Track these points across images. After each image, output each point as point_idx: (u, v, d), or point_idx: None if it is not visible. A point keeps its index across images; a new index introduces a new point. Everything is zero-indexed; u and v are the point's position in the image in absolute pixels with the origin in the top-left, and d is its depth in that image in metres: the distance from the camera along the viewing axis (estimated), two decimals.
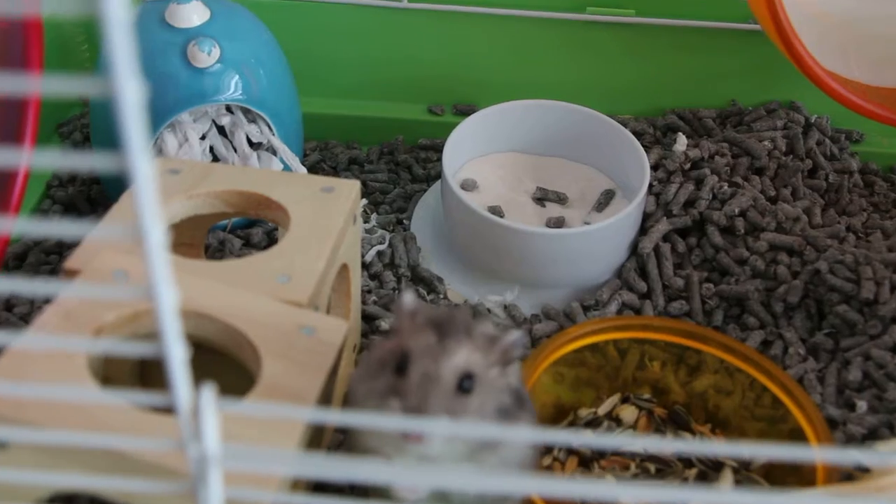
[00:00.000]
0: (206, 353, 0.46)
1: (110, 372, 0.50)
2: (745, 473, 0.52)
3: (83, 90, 0.22)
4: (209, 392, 0.28)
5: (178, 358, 0.27)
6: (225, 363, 0.45)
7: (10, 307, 0.61)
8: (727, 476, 0.51)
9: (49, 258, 0.65)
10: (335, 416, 0.28)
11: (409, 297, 0.43)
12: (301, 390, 0.41)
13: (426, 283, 0.66)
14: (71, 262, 0.48)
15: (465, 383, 0.40)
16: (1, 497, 0.37)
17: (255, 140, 0.66)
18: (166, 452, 0.35)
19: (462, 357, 0.40)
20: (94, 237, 0.48)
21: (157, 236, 0.24)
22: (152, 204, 0.23)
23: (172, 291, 0.25)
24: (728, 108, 0.78)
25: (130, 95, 0.22)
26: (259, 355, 0.43)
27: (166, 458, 0.36)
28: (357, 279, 0.58)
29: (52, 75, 0.58)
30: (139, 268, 0.46)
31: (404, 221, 0.71)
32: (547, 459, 0.54)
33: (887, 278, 0.60)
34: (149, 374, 0.53)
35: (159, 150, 0.64)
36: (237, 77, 0.64)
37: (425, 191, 0.73)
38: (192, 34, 0.64)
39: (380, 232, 0.69)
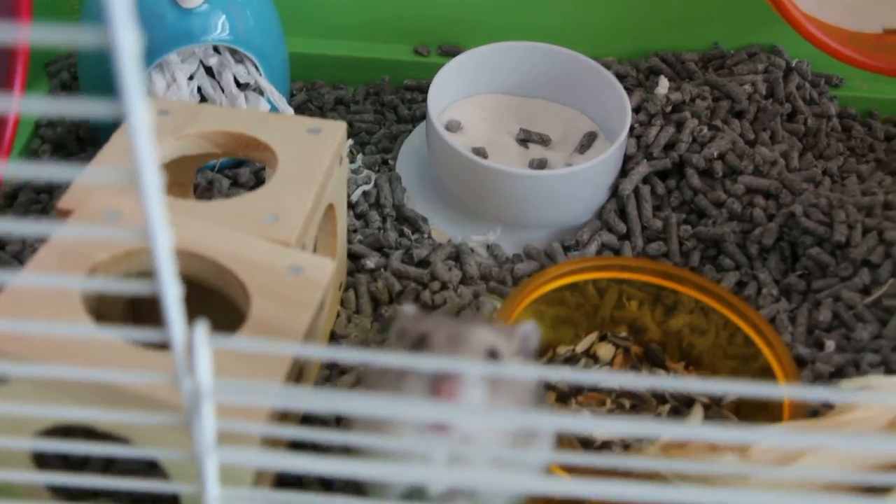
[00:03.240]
0: (198, 289, 0.48)
1: (103, 309, 0.51)
2: (717, 409, 0.54)
3: (80, 41, 0.23)
4: (202, 329, 0.29)
5: (173, 296, 0.28)
6: (216, 299, 0.47)
7: (2, 245, 0.62)
8: (698, 411, 0.53)
9: (40, 197, 0.66)
10: (321, 352, 0.30)
11: (410, 308, 0.43)
12: (288, 327, 0.43)
13: (410, 223, 0.67)
14: (63, 202, 0.49)
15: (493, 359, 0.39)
16: (1, 430, 0.38)
17: (242, 81, 0.67)
18: (161, 386, 0.37)
19: (487, 334, 0.39)
20: (86, 178, 0.49)
21: (154, 182, 0.25)
22: (149, 151, 0.24)
23: (167, 233, 0.27)
24: (710, 52, 0.79)
25: (128, 45, 0.23)
26: (248, 294, 0.44)
27: (161, 391, 0.38)
28: (343, 219, 0.60)
29: (42, 22, 0.58)
30: (131, 208, 0.48)
31: (390, 162, 0.72)
32: None
33: (860, 222, 0.61)
34: (140, 311, 0.55)
35: (147, 91, 0.64)
36: (224, 17, 0.65)
37: (411, 131, 0.74)
38: None
39: (365, 172, 0.70)
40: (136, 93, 0.24)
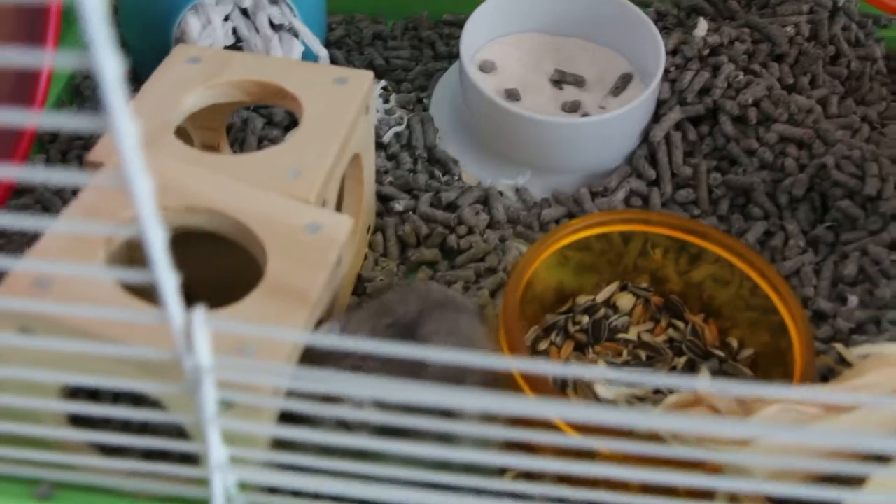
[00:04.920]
0: (225, 243, 0.50)
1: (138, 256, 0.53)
2: (732, 363, 0.55)
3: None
4: (200, 313, 0.31)
5: (169, 284, 0.30)
6: (240, 252, 0.49)
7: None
8: (705, 370, 0.53)
9: (78, 142, 0.68)
10: (317, 339, 0.32)
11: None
12: (303, 288, 0.44)
13: (441, 165, 0.68)
14: (93, 154, 0.51)
15: None
16: (24, 389, 0.41)
17: (276, 22, 0.68)
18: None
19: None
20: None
21: (145, 187, 0.26)
22: (137, 160, 0.26)
23: (160, 229, 0.28)
24: None
25: (111, 71, 0.24)
26: (265, 252, 0.46)
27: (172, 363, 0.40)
28: (371, 166, 0.61)
29: None
30: (156, 164, 0.49)
31: (424, 100, 0.73)
32: (544, 343, 0.57)
33: (892, 175, 0.61)
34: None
35: (182, 32, 0.66)
36: None
37: (447, 69, 0.74)
38: None
39: (398, 112, 0.71)
40: (121, 109, 0.25)
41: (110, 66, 0.24)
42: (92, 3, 0.23)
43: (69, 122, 0.25)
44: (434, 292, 0.49)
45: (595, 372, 0.48)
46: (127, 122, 0.25)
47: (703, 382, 0.33)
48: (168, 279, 0.29)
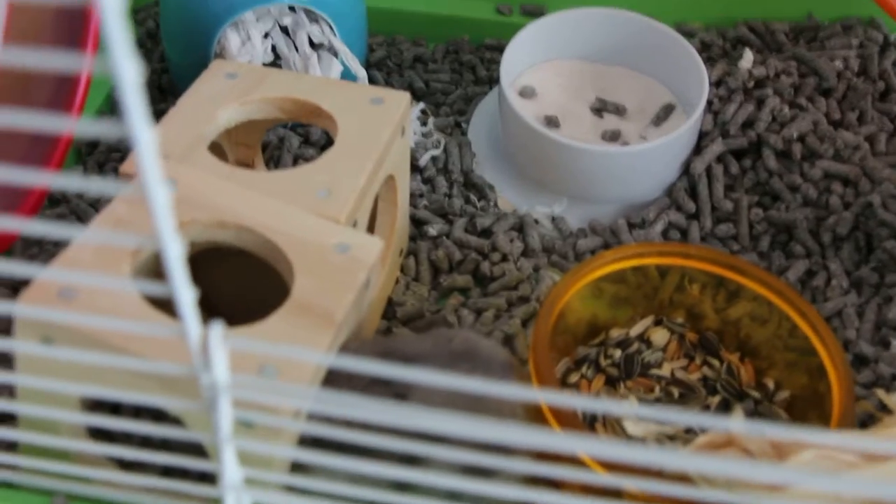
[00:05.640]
0: (254, 260, 0.49)
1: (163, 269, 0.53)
2: (768, 405, 0.54)
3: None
4: (217, 329, 0.30)
5: (186, 301, 0.29)
6: (269, 271, 0.48)
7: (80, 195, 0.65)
8: (739, 410, 0.52)
9: (116, 154, 0.68)
10: (337, 361, 0.31)
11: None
12: (328, 309, 0.44)
13: (478, 190, 0.68)
14: (126, 166, 0.51)
15: None
16: (44, 399, 0.41)
17: (316, 41, 0.68)
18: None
19: None
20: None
21: (162, 200, 0.26)
22: (157, 175, 0.25)
23: (178, 244, 0.28)
24: (803, 22, 0.76)
25: (129, 76, 0.23)
26: (293, 270, 0.45)
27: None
28: (405, 188, 0.60)
29: None
30: (188, 178, 0.49)
31: (462, 125, 0.72)
32: (575, 376, 0.56)
33: None
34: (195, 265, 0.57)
35: (222, 48, 0.66)
36: None
37: (486, 94, 0.74)
38: None
39: (435, 136, 0.70)
40: (139, 115, 0.24)
41: (128, 69, 0.23)
42: (111, 5, 0.22)
43: (96, 128, 0.25)
44: (458, 342, 0.45)
45: (624, 408, 0.47)
46: (144, 129, 0.25)
47: (737, 423, 0.32)
48: (185, 292, 0.29)
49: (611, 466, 0.43)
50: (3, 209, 0.56)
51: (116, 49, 0.23)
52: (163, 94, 0.74)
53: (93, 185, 0.27)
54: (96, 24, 0.58)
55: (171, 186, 0.49)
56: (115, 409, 0.51)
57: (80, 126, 0.26)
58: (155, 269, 0.48)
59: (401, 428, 0.31)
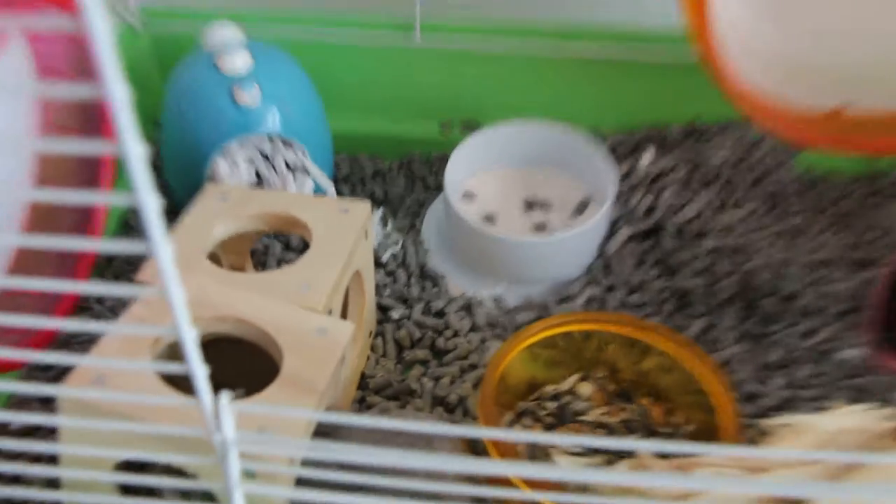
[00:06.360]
0: (249, 346, 0.54)
1: (177, 355, 0.58)
2: (676, 439, 0.59)
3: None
4: (225, 397, 0.36)
5: (201, 376, 0.35)
6: (260, 353, 0.53)
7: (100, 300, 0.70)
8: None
9: (128, 267, 0.74)
10: (323, 416, 0.36)
11: None
12: (312, 381, 0.49)
13: (431, 279, 0.73)
14: (142, 274, 0.56)
15: None
16: (83, 463, 0.45)
17: (291, 163, 0.74)
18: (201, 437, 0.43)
19: None
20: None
21: (179, 296, 0.32)
22: (175, 277, 0.31)
23: (193, 331, 0.33)
24: (691, 125, 0.83)
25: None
26: (282, 352, 0.51)
27: (205, 440, 0.45)
28: (370, 281, 0.66)
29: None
30: (192, 283, 0.55)
31: (417, 226, 0.78)
32: (518, 427, 0.61)
33: (807, 276, 0.66)
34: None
35: (213, 173, 0.72)
36: (275, 112, 0.72)
37: (435, 200, 0.80)
38: (237, 78, 0.71)
39: (395, 236, 0.76)
40: (160, 235, 0.30)
41: (151, 202, 0.29)
42: (136, 154, 0.28)
43: (122, 247, 0.31)
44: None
45: (551, 438, 0.52)
46: (165, 245, 0.30)
47: (645, 445, 0.37)
48: (200, 370, 0.34)
49: (538, 485, 0.48)
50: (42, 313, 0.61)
51: (141, 187, 0.29)
52: (171, 217, 0.79)
53: (119, 289, 0.32)
54: (110, 167, 0.65)
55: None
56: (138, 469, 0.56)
57: (105, 245, 0.31)
58: (169, 356, 0.54)
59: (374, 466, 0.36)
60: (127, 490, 0.48)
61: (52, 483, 0.53)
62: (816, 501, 0.42)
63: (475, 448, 0.57)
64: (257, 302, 0.54)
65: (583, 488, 0.47)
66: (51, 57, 0.61)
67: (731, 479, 0.48)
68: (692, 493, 0.46)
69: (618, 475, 0.45)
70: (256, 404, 0.45)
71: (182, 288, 0.32)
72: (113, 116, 0.27)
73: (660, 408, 0.62)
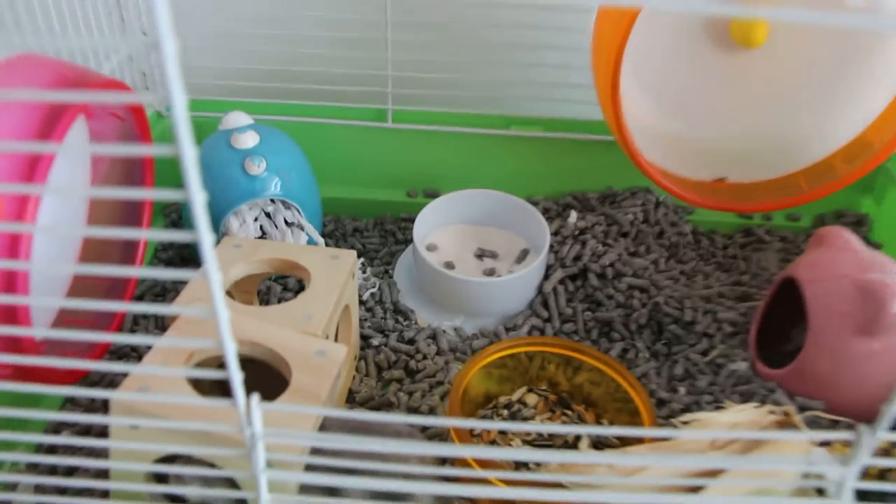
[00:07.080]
0: (261, 364, 0.54)
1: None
2: (605, 438, 0.60)
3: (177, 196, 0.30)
4: (255, 398, 0.36)
5: (238, 381, 0.35)
6: (272, 371, 0.53)
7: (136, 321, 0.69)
8: (586, 443, 0.58)
9: (156, 299, 0.73)
10: (333, 412, 0.37)
11: None
12: (315, 390, 0.49)
13: (403, 314, 0.74)
14: (180, 298, 0.56)
15: None
16: (132, 457, 0.45)
17: (289, 221, 0.74)
18: (233, 433, 0.43)
19: None
20: (190, 287, 0.57)
21: (224, 315, 0.32)
22: (222, 300, 0.31)
23: (233, 344, 0.34)
24: (606, 191, 0.85)
25: (198, 199, 0.30)
26: (290, 368, 0.51)
27: (233, 435, 0.44)
28: (356, 314, 0.66)
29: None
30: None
31: (390, 271, 0.79)
32: (477, 430, 0.61)
33: (702, 307, 0.68)
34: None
35: (226, 228, 0.72)
36: (277, 180, 0.72)
37: (404, 250, 0.81)
38: (247, 153, 0.72)
39: (373, 279, 0.77)
40: (212, 263, 0.31)
41: (207, 238, 0.30)
42: (199, 200, 0.29)
43: (178, 274, 0.31)
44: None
45: (505, 425, 0.53)
46: (216, 273, 0.31)
47: (584, 449, 0.38)
48: (237, 375, 0.34)
49: (491, 465, 0.49)
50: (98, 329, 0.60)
51: (202, 227, 0.30)
52: (185, 262, 0.79)
53: (175, 309, 0.33)
54: (149, 209, 0.64)
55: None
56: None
57: (164, 272, 0.32)
58: (202, 365, 0.53)
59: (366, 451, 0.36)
60: (161, 479, 0.47)
61: (101, 474, 0.52)
62: (727, 471, 0.43)
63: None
64: (268, 329, 0.54)
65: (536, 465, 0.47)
66: (100, 133, 0.61)
67: (660, 454, 0.49)
68: (634, 470, 0.47)
69: (557, 454, 0.46)
70: (278, 405, 0.45)
71: (226, 307, 0.32)
72: (184, 172, 0.28)
73: (592, 413, 0.62)
